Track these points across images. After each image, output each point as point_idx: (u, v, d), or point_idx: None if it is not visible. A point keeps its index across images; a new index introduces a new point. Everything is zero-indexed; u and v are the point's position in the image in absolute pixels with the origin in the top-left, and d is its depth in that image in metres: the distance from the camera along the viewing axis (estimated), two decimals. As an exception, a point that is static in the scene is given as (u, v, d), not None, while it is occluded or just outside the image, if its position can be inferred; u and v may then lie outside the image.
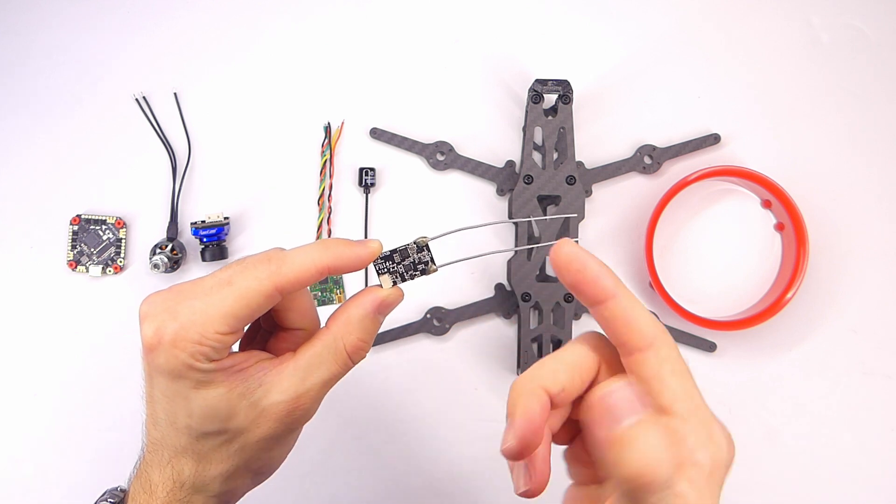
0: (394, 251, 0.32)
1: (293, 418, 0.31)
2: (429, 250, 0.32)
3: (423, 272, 0.33)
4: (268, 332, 0.36)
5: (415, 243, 0.32)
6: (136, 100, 0.57)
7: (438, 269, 0.33)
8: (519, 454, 0.26)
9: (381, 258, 0.32)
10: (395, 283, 0.32)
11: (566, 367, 0.27)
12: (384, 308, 0.32)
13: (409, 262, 0.32)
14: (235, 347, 0.34)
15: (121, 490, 0.37)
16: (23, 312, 0.56)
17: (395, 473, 0.56)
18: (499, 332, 0.57)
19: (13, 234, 0.56)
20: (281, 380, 0.31)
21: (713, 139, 0.58)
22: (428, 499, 0.56)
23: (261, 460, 0.33)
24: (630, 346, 0.26)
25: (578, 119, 0.57)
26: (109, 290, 0.56)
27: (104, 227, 0.56)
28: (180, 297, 0.30)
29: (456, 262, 0.33)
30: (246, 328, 0.32)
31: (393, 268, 0.32)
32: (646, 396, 0.26)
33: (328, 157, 0.57)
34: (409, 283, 0.33)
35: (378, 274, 0.32)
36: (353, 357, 0.32)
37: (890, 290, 0.58)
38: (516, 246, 0.55)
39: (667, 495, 0.24)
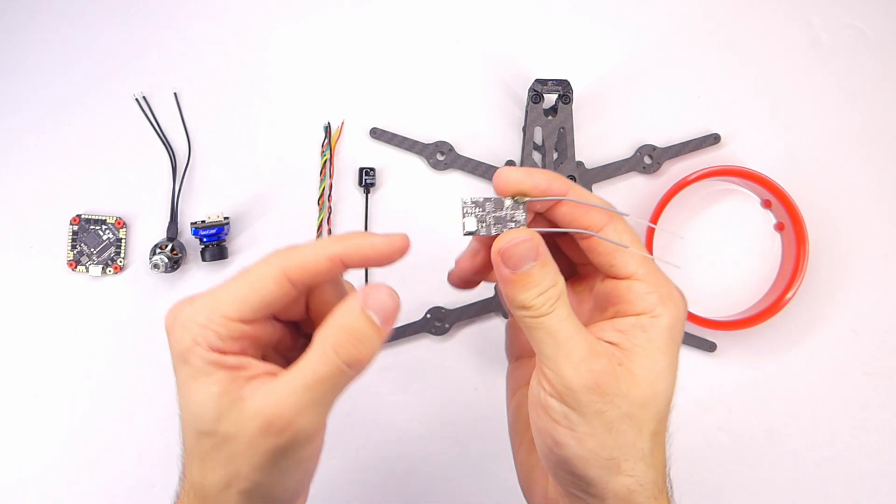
0: (487, 199, 0.29)
1: (276, 430, 0.28)
2: (525, 211, 0.29)
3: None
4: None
5: (513, 199, 0.29)
6: (136, 100, 0.57)
7: None
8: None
9: (472, 202, 0.29)
10: (477, 230, 0.29)
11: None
12: (371, 302, 0.29)
13: (502, 215, 0.29)
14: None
15: None
16: (23, 312, 0.56)
17: (395, 473, 0.56)
18: (499, 332, 0.57)
19: (13, 234, 0.56)
20: (266, 384, 0.28)
21: (713, 139, 0.58)
22: (428, 498, 0.56)
23: (257, 482, 0.29)
24: (592, 227, 0.30)
25: (578, 119, 0.57)
26: (109, 290, 0.56)
27: (104, 227, 0.56)
28: (208, 290, 0.30)
29: (551, 231, 0.30)
30: (272, 318, 0.31)
31: (481, 214, 0.29)
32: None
33: (328, 157, 0.57)
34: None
35: (464, 215, 0.29)
36: (342, 355, 0.28)
37: (890, 290, 0.58)
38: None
39: (641, 321, 0.29)
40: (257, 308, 0.29)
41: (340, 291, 0.32)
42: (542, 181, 0.30)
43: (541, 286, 0.29)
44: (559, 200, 0.30)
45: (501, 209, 0.29)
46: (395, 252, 0.29)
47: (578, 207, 0.30)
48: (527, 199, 0.29)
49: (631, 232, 0.31)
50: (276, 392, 0.28)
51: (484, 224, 0.29)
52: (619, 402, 0.29)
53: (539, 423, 0.30)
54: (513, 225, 0.29)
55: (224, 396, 0.28)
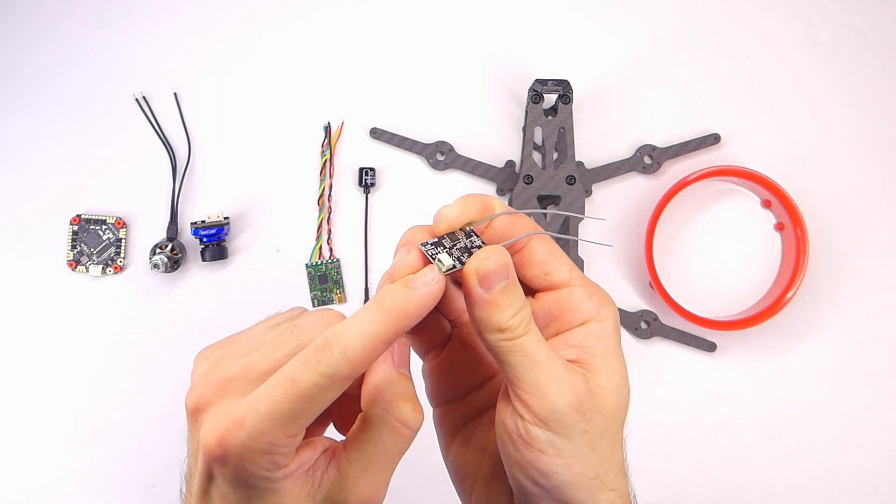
0: (442, 238, 0.29)
1: None
2: (477, 236, 0.29)
3: None
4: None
5: (461, 230, 0.29)
6: (136, 100, 0.57)
7: None
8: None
9: (431, 244, 0.29)
10: (454, 265, 0.28)
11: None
12: (398, 360, 0.29)
13: (461, 246, 0.29)
14: None
15: None
16: (23, 312, 0.56)
17: (395, 473, 0.56)
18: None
19: (13, 234, 0.56)
20: (337, 472, 0.28)
21: (713, 139, 0.58)
22: (428, 497, 0.56)
23: None
24: (518, 244, 0.30)
25: (578, 119, 0.57)
26: (109, 290, 0.56)
27: (104, 227, 0.56)
28: (235, 384, 0.27)
29: (511, 241, 0.30)
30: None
31: (446, 251, 0.29)
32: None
33: (328, 157, 0.57)
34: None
35: (431, 258, 0.28)
36: (411, 424, 0.29)
37: (890, 290, 0.58)
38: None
39: (592, 329, 0.30)
40: (317, 414, 0.27)
41: None
42: (479, 204, 0.30)
43: (515, 305, 0.28)
44: (494, 218, 0.30)
45: (459, 241, 0.29)
46: (435, 299, 0.27)
47: (508, 222, 0.30)
48: (474, 224, 0.29)
49: (556, 247, 0.31)
50: (355, 475, 0.29)
51: (453, 258, 0.29)
52: (597, 418, 0.28)
53: (517, 456, 0.29)
54: (475, 251, 0.29)
55: (296, 501, 0.28)
